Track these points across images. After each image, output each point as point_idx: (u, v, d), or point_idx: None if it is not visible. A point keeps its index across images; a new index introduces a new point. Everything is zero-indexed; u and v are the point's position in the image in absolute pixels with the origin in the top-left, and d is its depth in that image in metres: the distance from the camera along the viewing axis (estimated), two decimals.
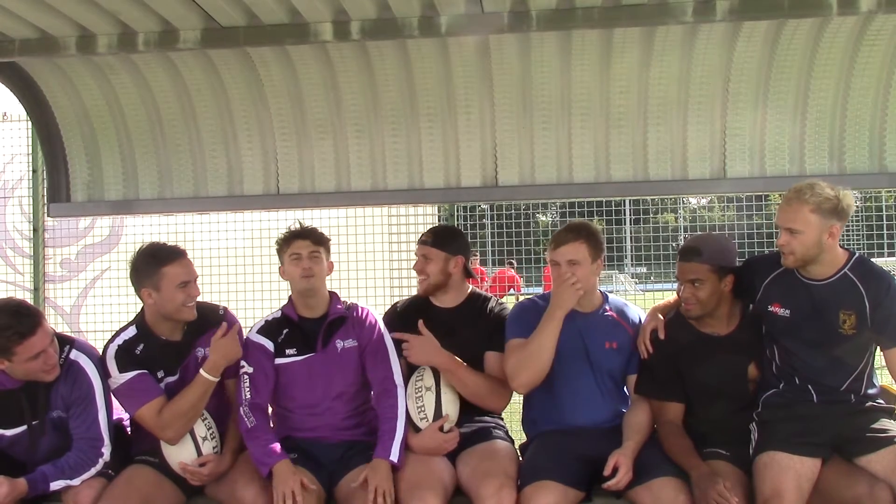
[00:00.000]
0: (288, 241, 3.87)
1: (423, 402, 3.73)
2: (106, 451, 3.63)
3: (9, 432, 3.66)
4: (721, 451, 3.63)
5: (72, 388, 3.64)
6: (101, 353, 3.77)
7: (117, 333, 3.81)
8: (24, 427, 3.65)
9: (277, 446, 3.62)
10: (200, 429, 3.68)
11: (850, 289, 3.48)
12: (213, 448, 3.70)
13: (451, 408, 3.74)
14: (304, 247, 3.83)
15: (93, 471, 3.59)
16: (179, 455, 3.64)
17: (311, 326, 3.87)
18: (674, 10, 3.68)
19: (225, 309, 4.01)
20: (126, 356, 3.71)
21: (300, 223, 3.94)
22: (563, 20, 3.77)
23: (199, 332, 3.84)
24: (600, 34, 4.22)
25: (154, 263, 3.70)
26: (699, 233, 3.69)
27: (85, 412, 3.63)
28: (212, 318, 3.87)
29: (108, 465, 3.66)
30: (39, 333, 3.48)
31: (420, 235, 4.16)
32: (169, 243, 3.88)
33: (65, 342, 3.72)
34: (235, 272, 6.87)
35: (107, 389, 3.70)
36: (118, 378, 3.68)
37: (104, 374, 3.70)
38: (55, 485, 3.52)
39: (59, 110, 4.88)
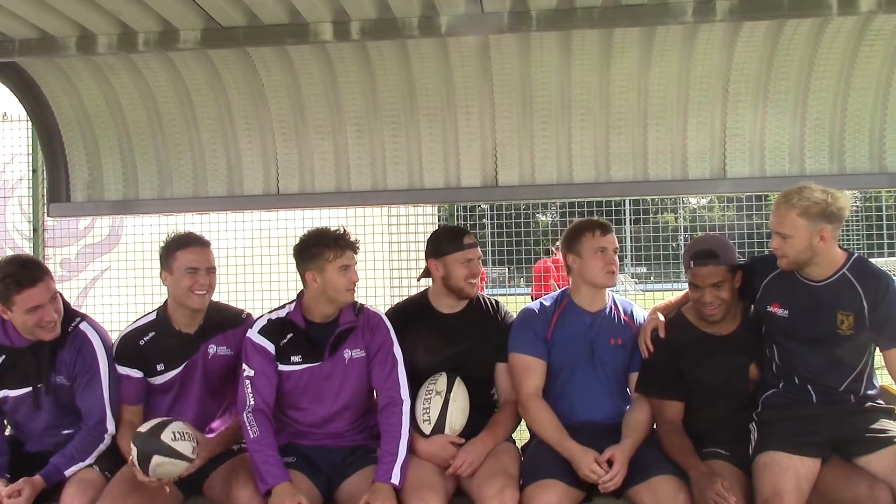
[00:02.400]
0: (340, 251, 3.67)
1: (429, 404, 3.71)
2: (110, 426, 3.74)
3: (13, 393, 3.79)
4: (721, 451, 3.63)
5: (76, 357, 3.77)
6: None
7: (139, 318, 3.96)
8: (29, 388, 3.77)
9: (280, 464, 3.53)
10: (168, 435, 3.51)
11: (848, 289, 3.48)
12: (193, 448, 3.54)
13: (456, 417, 3.71)
14: (352, 258, 3.70)
15: (101, 447, 3.70)
16: (177, 472, 3.53)
17: (319, 333, 3.74)
18: (674, 10, 3.68)
19: (249, 315, 4.01)
20: (127, 347, 3.82)
21: (344, 229, 3.74)
22: (562, 20, 3.77)
23: (214, 331, 3.89)
24: (600, 34, 4.22)
25: (172, 247, 3.82)
26: (700, 235, 3.65)
27: (90, 386, 3.75)
28: (231, 320, 3.95)
29: (107, 465, 3.67)
30: (40, 287, 3.63)
31: (464, 238, 3.95)
32: (199, 233, 4.01)
33: (77, 316, 3.88)
34: (235, 272, 6.87)
35: (112, 366, 3.79)
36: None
37: (110, 353, 3.82)
38: (70, 471, 3.63)
39: (59, 110, 4.88)
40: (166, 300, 3.93)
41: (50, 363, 3.76)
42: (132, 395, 3.82)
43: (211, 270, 3.83)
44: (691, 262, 3.68)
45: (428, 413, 3.70)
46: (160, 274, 3.88)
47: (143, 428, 3.51)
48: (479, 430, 3.76)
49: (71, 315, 3.85)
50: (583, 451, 3.53)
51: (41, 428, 3.83)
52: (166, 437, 3.47)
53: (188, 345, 3.85)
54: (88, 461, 3.66)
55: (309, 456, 3.72)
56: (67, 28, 3.94)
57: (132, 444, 3.47)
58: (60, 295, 3.84)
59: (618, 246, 3.93)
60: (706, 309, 3.68)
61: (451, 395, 3.72)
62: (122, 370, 3.81)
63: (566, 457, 3.56)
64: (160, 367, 3.83)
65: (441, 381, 3.75)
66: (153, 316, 3.93)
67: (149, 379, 3.85)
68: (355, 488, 3.56)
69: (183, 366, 3.84)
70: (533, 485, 3.45)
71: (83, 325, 3.84)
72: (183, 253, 3.79)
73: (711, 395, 3.73)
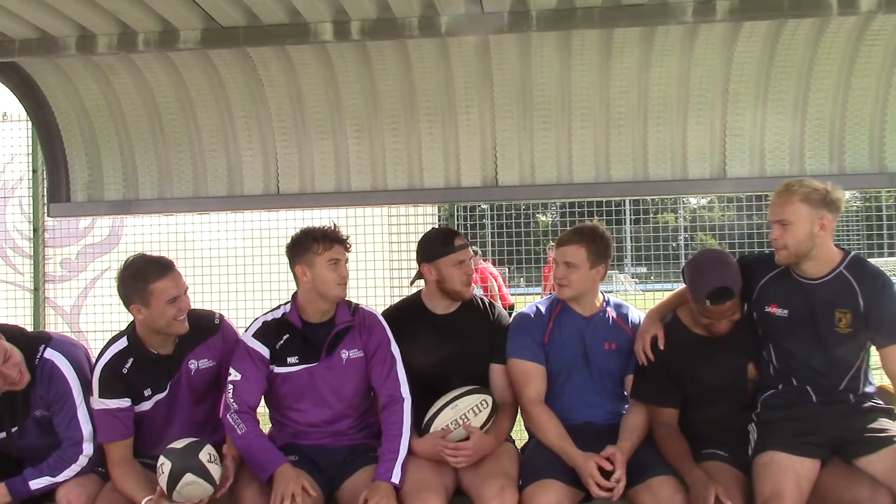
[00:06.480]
0: (328, 244, 3.67)
1: (458, 425, 3.65)
2: (87, 446, 3.62)
3: None
4: (720, 453, 3.62)
5: (48, 388, 3.63)
6: (93, 359, 3.74)
7: (109, 344, 3.71)
8: (4, 434, 3.68)
9: (275, 449, 3.55)
10: (205, 455, 3.42)
11: (845, 287, 3.48)
12: (220, 474, 3.47)
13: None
14: (342, 253, 3.69)
15: (75, 467, 3.60)
16: (201, 496, 3.43)
17: (315, 334, 3.72)
18: (674, 10, 3.68)
19: (221, 316, 3.90)
20: (111, 378, 3.59)
21: (335, 225, 3.77)
22: (563, 20, 3.77)
23: (192, 344, 3.72)
24: (600, 34, 4.22)
25: (141, 280, 3.54)
26: (702, 260, 3.44)
27: (63, 410, 3.63)
28: (206, 328, 3.78)
29: (102, 464, 3.64)
30: None
31: (455, 240, 3.94)
32: (156, 255, 3.73)
33: (40, 341, 3.70)
34: (235, 272, 6.89)
35: (86, 385, 3.65)
36: (96, 402, 3.60)
37: (82, 371, 3.69)
38: (35, 483, 3.56)
39: (59, 110, 4.88)
40: (132, 324, 3.69)
41: (25, 406, 3.63)
42: (123, 427, 3.59)
43: (186, 290, 3.63)
44: (707, 301, 3.53)
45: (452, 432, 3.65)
46: (128, 307, 3.59)
47: (179, 444, 3.39)
48: None
49: (33, 345, 3.65)
50: (584, 459, 3.51)
51: (33, 457, 3.69)
52: (203, 456, 3.37)
53: (169, 365, 3.69)
54: (59, 479, 3.57)
55: (310, 455, 3.71)
56: (67, 28, 3.94)
57: (165, 459, 3.33)
58: (15, 328, 3.75)
59: (571, 260, 3.78)
60: (717, 330, 3.64)
61: (485, 430, 3.69)
62: (111, 403, 3.57)
63: (569, 465, 3.55)
64: (147, 392, 3.65)
65: (483, 413, 3.67)
66: (124, 341, 3.67)
67: (135, 406, 3.65)
68: (357, 488, 3.55)
69: (167, 387, 3.69)
70: (532, 485, 3.45)
71: (48, 353, 3.64)
72: (158, 284, 3.52)
73: (710, 396, 3.72)
